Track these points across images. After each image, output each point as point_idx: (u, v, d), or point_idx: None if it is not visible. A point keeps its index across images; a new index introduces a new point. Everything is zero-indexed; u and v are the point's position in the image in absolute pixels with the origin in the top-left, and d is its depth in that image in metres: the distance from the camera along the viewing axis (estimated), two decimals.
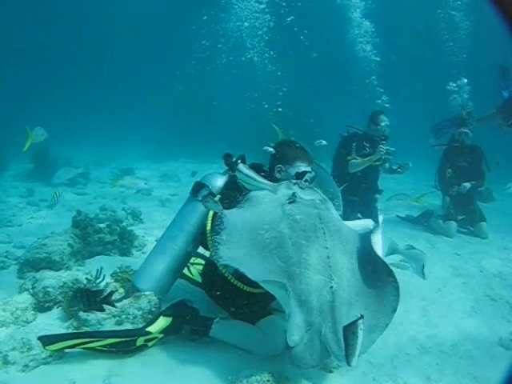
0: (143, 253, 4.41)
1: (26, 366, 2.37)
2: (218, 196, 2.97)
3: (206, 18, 13.37)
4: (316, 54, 14.90)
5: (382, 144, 5.46)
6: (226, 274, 2.68)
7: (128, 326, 2.80)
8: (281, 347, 2.52)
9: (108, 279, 3.20)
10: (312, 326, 2.19)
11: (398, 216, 6.82)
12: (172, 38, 21.59)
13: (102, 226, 4.41)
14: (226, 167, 3.08)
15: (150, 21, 22.89)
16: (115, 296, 3.09)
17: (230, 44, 13.04)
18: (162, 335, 2.66)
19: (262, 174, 2.88)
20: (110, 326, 2.81)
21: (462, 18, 9.59)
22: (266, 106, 11.65)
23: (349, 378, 2.53)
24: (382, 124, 5.77)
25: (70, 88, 20.22)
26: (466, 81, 7.71)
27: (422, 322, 3.40)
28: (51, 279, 3.07)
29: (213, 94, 16.20)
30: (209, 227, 2.80)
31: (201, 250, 3.22)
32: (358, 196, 5.75)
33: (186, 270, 3.41)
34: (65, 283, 3.07)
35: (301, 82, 14.11)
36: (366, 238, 2.60)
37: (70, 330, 2.73)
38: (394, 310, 2.39)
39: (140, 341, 2.57)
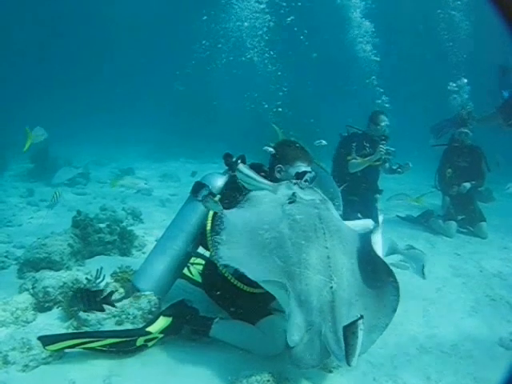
0: (143, 253, 4.41)
1: (26, 365, 2.37)
2: (218, 196, 2.97)
3: (205, 17, 13.36)
4: (316, 54, 14.90)
5: (382, 144, 5.47)
6: (225, 274, 2.68)
7: (128, 326, 2.80)
8: (281, 347, 2.52)
9: (108, 279, 3.20)
10: (312, 326, 2.19)
11: (398, 216, 6.82)
12: (172, 38, 21.60)
13: (102, 225, 4.41)
14: (226, 167, 3.09)
15: (150, 21, 22.90)
16: (115, 296, 3.09)
17: (230, 44, 13.04)
18: (162, 335, 2.66)
19: (262, 173, 2.89)
20: (110, 326, 2.82)
21: (462, 18, 9.59)
22: (266, 105, 11.65)
23: (349, 378, 2.53)
24: (382, 124, 5.78)
25: (71, 88, 20.22)
26: (465, 81, 7.71)
27: (422, 322, 3.40)
28: (51, 279, 3.07)
29: (213, 94, 16.20)
30: (209, 227, 2.80)
31: (201, 250, 3.22)
32: (358, 196, 5.75)
33: (185, 270, 3.41)
34: (65, 283, 3.08)
35: (301, 82, 14.11)
36: (365, 238, 2.60)
37: (70, 330, 2.73)
38: (394, 310, 2.39)
39: (140, 341, 2.57)
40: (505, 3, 1.15)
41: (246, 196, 2.62)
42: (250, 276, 2.20)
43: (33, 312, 2.91)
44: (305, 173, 2.85)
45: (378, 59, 10.72)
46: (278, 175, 2.91)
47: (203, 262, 3.40)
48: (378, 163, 5.73)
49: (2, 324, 2.73)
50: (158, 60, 22.67)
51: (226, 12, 12.59)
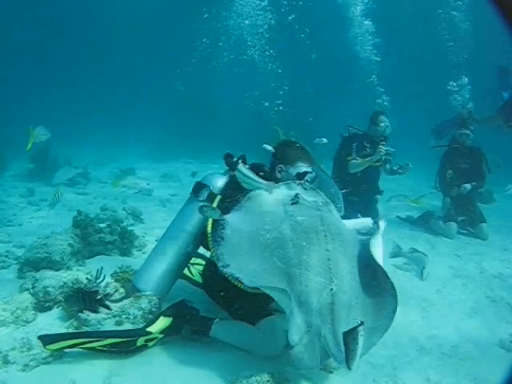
0: (143, 253, 4.41)
1: (26, 365, 2.37)
2: (219, 196, 2.97)
3: (207, 15, 13.36)
4: (315, 56, 14.89)
5: (382, 145, 5.47)
6: (226, 275, 2.68)
7: (128, 326, 2.80)
8: (281, 348, 2.52)
9: (108, 279, 3.20)
10: (311, 327, 2.19)
11: (398, 217, 6.82)
12: (172, 36, 21.58)
13: (102, 225, 4.41)
14: (227, 167, 3.09)
15: (151, 19, 22.89)
16: (115, 296, 3.10)
17: (231, 42, 13.04)
18: (162, 335, 2.66)
19: (261, 173, 2.89)
20: (110, 326, 2.82)
21: (463, 19, 9.59)
22: (267, 104, 11.66)
23: (349, 378, 2.53)
24: (382, 124, 5.78)
25: (71, 88, 20.22)
26: (466, 80, 7.70)
27: (422, 323, 3.40)
28: (51, 279, 3.07)
29: (214, 94, 16.20)
30: (209, 228, 2.80)
31: (201, 250, 3.22)
32: (359, 196, 5.76)
33: (186, 271, 3.41)
34: (65, 283, 3.07)
35: (301, 81, 14.11)
36: (366, 242, 2.59)
37: (70, 330, 2.73)
38: (394, 313, 2.39)
39: (140, 341, 2.57)
40: (505, 3, 1.15)
41: (247, 195, 2.61)
42: (248, 284, 2.21)
43: (33, 312, 2.91)
44: (305, 173, 2.84)
45: (379, 59, 10.73)
46: (278, 175, 2.91)
47: (203, 263, 3.41)
48: (378, 164, 5.74)
49: (2, 324, 2.73)
50: (158, 59, 22.66)
51: (228, 10, 12.59)
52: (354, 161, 5.66)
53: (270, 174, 2.95)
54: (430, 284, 4.19)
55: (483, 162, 6.35)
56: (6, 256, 4.05)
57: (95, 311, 2.73)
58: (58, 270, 3.46)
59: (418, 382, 2.61)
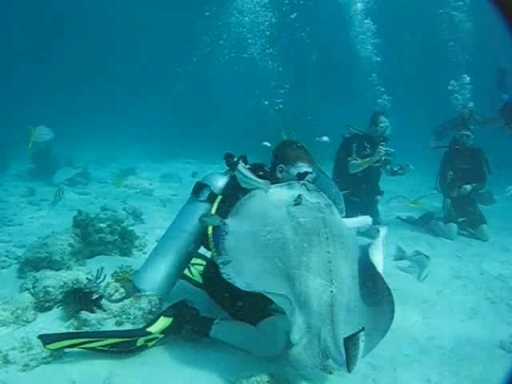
0: (144, 253, 4.41)
1: (26, 365, 2.36)
2: (220, 196, 2.97)
3: (208, 14, 13.36)
4: (315, 57, 14.90)
5: (382, 145, 5.48)
6: (223, 275, 2.68)
7: (128, 326, 2.81)
8: (281, 348, 2.52)
9: (109, 279, 3.19)
10: (311, 328, 2.19)
11: (398, 218, 6.82)
12: (173, 35, 21.59)
13: (102, 225, 4.41)
14: (227, 167, 3.09)
15: (151, 18, 22.88)
16: (116, 296, 3.10)
17: (232, 39, 13.04)
18: (162, 335, 2.66)
19: (261, 173, 2.89)
20: (110, 326, 2.82)
21: (464, 19, 9.60)
22: (267, 102, 11.67)
23: (348, 379, 2.52)
24: (382, 125, 5.80)
25: (71, 87, 20.22)
26: (468, 79, 7.70)
27: (422, 324, 3.39)
28: (52, 279, 3.08)
29: (214, 93, 16.20)
30: (210, 228, 2.80)
31: (201, 250, 3.22)
32: (359, 197, 5.77)
33: (186, 271, 3.41)
34: (65, 283, 3.08)
35: (302, 79, 14.11)
36: (366, 248, 2.59)
37: (71, 330, 2.73)
38: (391, 320, 2.38)
39: (140, 341, 2.57)
40: (505, 4, 1.15)
41: (249, 194, 2.60)
42: (244, 288, 2.20)
43: (33, 312, 2.91)
44: (306, 173, 2.84)
45: (379, 59, 10.74)
46: (279, 175, 2.91)
47: (204, 263, 3.41)
48: (377, 164, 5.75)
49: (2, 323, 2.73)
50: (158, 59, 22.66)
51: (228, 7, 12.59)
52: (354, 161, 5.67)
53: (270, 173, 2.95)
54: (430, 285, 4.18)
55: (484, 163, 6.35)
56: (7, 256, 4.04)
57: (91, 312, 2.73)
58: (58, 269, 3.46)
59: (418, 382, 2.61)
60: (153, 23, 22.78)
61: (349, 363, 1.98)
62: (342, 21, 11.84)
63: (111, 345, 2.49)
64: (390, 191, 6.61)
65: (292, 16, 12.81)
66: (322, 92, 15.02)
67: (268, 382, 2.28)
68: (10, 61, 19.80)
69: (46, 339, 2.39)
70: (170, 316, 2.70)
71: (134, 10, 22.74)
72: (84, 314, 2.79)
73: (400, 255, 4.39)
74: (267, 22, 12.03)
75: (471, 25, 9.50)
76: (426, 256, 4.29)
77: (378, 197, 6.15)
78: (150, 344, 2.63)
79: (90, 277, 3.17)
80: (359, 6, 11.34)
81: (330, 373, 2.57)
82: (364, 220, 3.24)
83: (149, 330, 2.61)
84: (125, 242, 4.42)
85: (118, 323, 2.84)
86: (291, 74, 12.39)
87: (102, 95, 20.06)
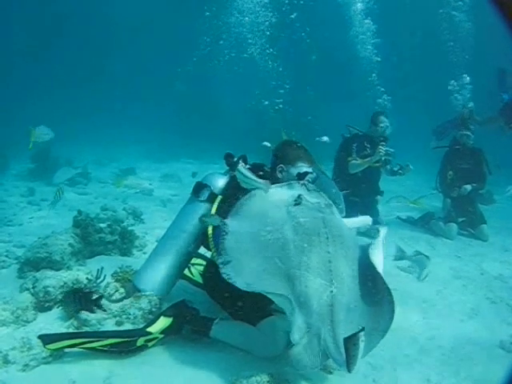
0: (144, 253, 4.41)
1: (26, 365, 2.36)
2: (220, 196, 2.97)
3: (208, 13, 13.36)
4: (315, 57, 14.89)
5: (382, 145, 5.48)
6: (223, 275, 2.68)
7: (128, 326, 2.81)
8: (281, 348, 2.52)
9: (109, 279, 3.20)
10: (311, 328, 2.19)
11: (399, 218, 6.82)
12: (173, 35, 21.58)
13: (102, 225, 4.41)
14: (227, 167, 3.09)
15: (151, 18, 22.89)
16: (116, 296, 3.10)
17: (232, 39, 13.04)
18: (162, 335, 2.66)
19: (261, 173, 2.89)
20: (110, 326, 2.82)
21: (464, 19, 9.60)
22: (267, 102, 11.67)
23: (349, 379, 2.52)
24: (382, 125, 5.81)
25: (71, 87, 20.22)
26: (468, 78, 7.70)
27: (422, 324, 3.39)
28: (52, 279, 3.08)
29: (214, 93, 16.19)
30: (210, 228, 2.80)
31: (202, 250, 3.22)
32: (359, 197, 5.77)
33: (186, 271, 3.41)
34: (65, 283, 3.08)
35: (302, 79, 14.10)
36: (366, 248, 2.59)
37: (71, 330, 2.73)
38: (391, 318, 2.38)
39: (140, 341, 2.57)
40: (505, 3, 1.14)
41: (249, 194, 2.59)
42: (243, 288, 2.20)
43: (33, 312, 2.91)
44: (306, 173, 2.84)
45: (379, 59, 10.74)
46: (279, 175, 2.90)
47: (204, 263, 3.41)
48: (377, 164, 5.75)
49: (2, 323, 2.73)
50: (158, 58, 22.66)
51: (228, 7, 12.59)
52: (354, 161, 5.68)
53: (270, 173, 2.95)
54: (430, 285, 4.18)
55: (484, 163, 6.35)
56: (7, 256, 4.04)
57: (91, 312, 2.73)
58: (58, 269, 3.46)
59: (418, 382, 2.61)
60: (153, 23, 22.78)
61: (349, 363, 1.98)
62: (342, 21, 11.84)
63: (111, 345, 2.49)
64: (390, 191, 6.61)
65: (292, 16, 12.81)
66: (322, 92, 15.02)
67: (268, 382, 2.28)
68: (10, 61, 19.80)
69: (46, 339, 2.39)
70: (170, 316, 2.70)
71: (134, 9, 22.74)
72: (84, 314, 2.79)
73: (400, 255, 4.40)
74: (267, 22, 12.04)
75: (471, 25, 9.50)
76: (426, 256, 4.30)
77: (378, 197, 6.15)
78: (150, 344, 2.63)
79: (90, 277, 3.18)
80: (359, 5, 11.34)
81: (330, 373, 2.57)
82: (364, 220, 3.24)
83: (149, 330, 2.61)
84: (125, 242, 4.42)
85: (118, 323, 2.84)
86: (291, 74, 12.39)
87: (102, 95, 20.05)
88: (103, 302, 2.94)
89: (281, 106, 11.64)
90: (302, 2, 12.95)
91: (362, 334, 1.95)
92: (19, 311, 2.83)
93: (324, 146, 6.54)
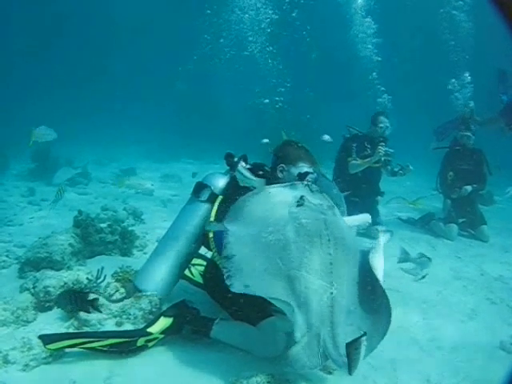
0: (144, 253, 4.41)
1: (27, 365, 2.36)
2: (221, 197, 2.97)
3: (209, 11, 13.36)
4: (315, 55, 14.89)
5: (381, 145, 5.49)
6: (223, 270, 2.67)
7: (129, 327, 2.81)
8: (281, 349, 2.52)
9: (109, 279, 3.20)
10: (311, 328, 2.19)
11: (399, 218, 6.82)
12: (174, 34, 21.58)
13: (103, 225, 4.41)
14: (228, 167, 3.09)
15: (151, 17, 22.88)
16: (116, 296, 3.10)
17: (232, 37, 13.03)
18: (162, 336, 2.66)
19: (261, 172, 2.89)
20: (110, 326, 2.82)
21: (465, 19, 9.60)
22: (267, 101, 11.66)
23: (348, 380, 2.51)
24: (381, 125, 5.81)
25: (72, 87, 20.22)
26: (469, 78, 7.70)
27: (423, 325, 3.39)
28: (52, 279, 3.07)
29: (214, 93, 16.18)
30: None
31: (202, 250, 3.22)
32: (360, 197, 5.77)
33: (186, 271, 3.41)
34: (66, 283, 3.07)
35: (302, 78, 14.11)
36: (367, 252, 2.59)
37: (71, 330, 2.73)
38: (389, 323, 2.38)
39: (141, 341, 2.57)
40: (505, 3, 1.15)
41: (251, 193, 2.59)
42: (241, 290, 2.19)
43: (33, 312, 2.91)
44: (307, 173, 2.84)
45: (380, 59, 10.74)
46: (280, 175, 2.90)
47: (204, 263, 3.41)
48: (377, 165, 5.75)
49: (2, 323, 2.73)
50: (158, 58, 22.66)
51: (229, 4, 12.59)
52: (353, 161, 5.68)
53: (271, 173, 2.95)
54: (430, 286, 4.18)
55: (484, 164, 6.35)
56: (7, 256, 4.04)
57: (87, 312, 2.73)
58: (58, 269, 3.47)
59: (419, 383, 2.61)
60: (153, 22, 22.78)
61: (350, 366, 1.99)
62: (343, 20, 11.84)
63: (111, 345, 2.50)
64: (390, 192, 6.61)
65: (293, 14, 12.81)
66: (322, 91, 15.02)
67: (268, 382, 2.28)
68: (10, 61, 19.80)
69: (47, 339, 2.39)
70: (170, 316, 2.70)
71: (134, 9, 22.73)
72: (84, 314, 2.79)
73: (404, 257, 4.41)
74: (268, 20, 12.04)
75: (471, 25, 9.49)
76: (428, 258, 4.31)
77: (379, 197, 6.15)
78: (150, 344, 2.63)
79: (90, 277, 3.18)
80: (359, 5, 11.34)
81: (330, 373, 2.57)
82: (363, 218, 3.24)
83: (149, 330, 2.61)
84: (125, 242, 4.42)
85: (119, 323, 2.84)
86: (292, 72, 12.39)
87: (102, 95, 20.04)
88: (103, 302, 2.95)
89: (281, 104, 11.65)
90: (302, 1, 12.96)
91: (363, 338, 1.96)
92: (19, 311, 2.83)
93: (325, 146, 6.55)
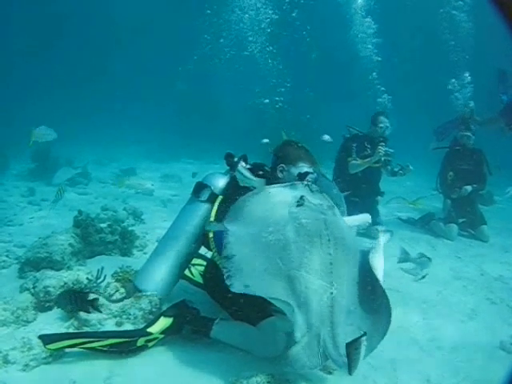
0: (144, 253, 4.41)
1: (27, 365, 2.36)
2: (221, 197, 2.97)
3: (209, 11, 13.36)
4: (315, 55, 14.88)
5: (381, 146, 5.49)
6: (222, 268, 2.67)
7: (129, 327, 2.81)
8: (281, 349, 2.51)
9: (109, 279, 3.20)
10: (311, 328, 2.19)
11: (399, 218, 6.82)
12: (174, 34, 21.58)
13: (103, 225, 4.41)
14: (228, 167, 3.09)
15: (151, 17, 22.88)
16: (116, 296, 3.10)
17: (232, 37, 13.03)
18: (162, 336, 2.66)
19: (261, 172, 2.89)
20: (110, 326, 2.82)
21: (465, 19, 9.60)
22: (267, 101, 11.66)
23: (349, 380, 2.52)
24: (381, 125, 5.81)
25: (72, 87, 20.22)
26: (469, 78, 7.70)
27: (423, 325, 3.39)
28: (52, 279, 3.07)
29: (215, 93, 16.18)
30: None
31: (202, 250, 3.22)
32: (359, 197, 5.77)
33: (186, 271, 3.41)
34: (66, 283, 3.07)
35: (302, 78, 14.10)
36: (367, 253, 2.59)
37: (71, 330, 2.73)
38: (389, 323, 2.38)
39: (141, 341, 2.57)
40: (505, 4, 1.15)
41: (251, 193, 2.58)
42: (240, 290, 2.19)
43: (33, 312, 2.91)
44: (307, 173, 2.84)
45: (380, 59, 10.74)
46: (280, 174, 2.90)
47: (204, 263, 3.41)
48: (377, 165, 5.75)
49: (2, 323, 2.73)
50: (159, 58, 22.66)
51: (229, 4, 12.59)
52: (353, 161, 5.68)
53: (271, 173, 2.95)
54: (430, 286, 4.18)
55: (484, 164, 6.35)
56: (7, 256, 4.04)
57: (87, 312, 2.73)
58: (58, 269, 3.46)
59: (419, 383, 2.61)
60: (153, 22, 22.78)
61: (350, 366, 1.99)
62: (343, 20, 11.84)
63: (111, 345, 2.50)
64: (390, 192, 6.62)
65: (293, 14, 12.82)
66: (322, 91, 15.02)
67: (268, 382, 2.28)
68: (10, 61, 19.80)
69: (47, 339, 2.39)
70: (170, 316, 2.70)
71: (134, 9, 22.73)
72: (84, 314, 2.79)
73: (404, 257, 4.42)
74: (268, 19, 12.04)
75: (471, 25, 9.49)
76: (428, 258, 4.32)
77: (379, 197, 6.15)
78: (150, 344, 2.63)
79: (90, 277, 3.17)
80: (359, 5, 11.34)
81: (330, 373, 2.57)
82: (363, 218, 3.24)
83: (149, 330, 2.61)
84: (125, 242, 4.42)
85: (119, 323, 2.84)
86: (292, 72, 12.39)
87: (102, 95, 20.05)
88: (103, 302, 2.95)
89: (281, 104, 11.65)
90: (302, 1, 12.95)
91: (364, 338, 1.96)
92: (19, 311, 2.83)
93: (325, 146, 6.54)
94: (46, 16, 21.43)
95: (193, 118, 15.05)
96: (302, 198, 2.52)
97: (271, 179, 2.87)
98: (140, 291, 2.97)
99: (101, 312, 2.82)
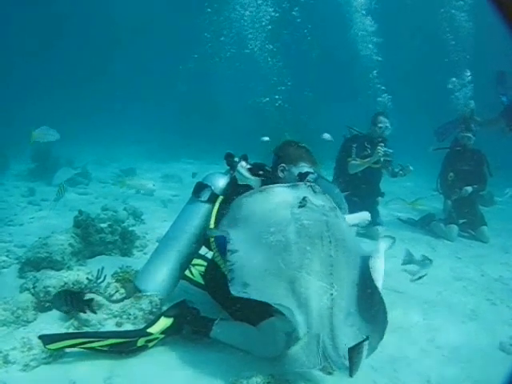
0: (144, 253, 4.41)
1: (27, 365, 2.36)
2: (221, 197, 2.97)
3: (209, 10, 13.36)
4: (316, 54, 14.89)
5: (380, 146, 5.49)
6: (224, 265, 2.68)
7: (129, 327, 2.81)
8: (281, 349, 2.52)
9: (109, 279, 3.20)
10: (311, 328, 2.19)
11: (399, 219, 6.82)
12: (174, 33, 21.58)
13: (103, 225, 4.41)
14: (228, 167, 3.09)
15: (152, 17, 22.89)
16: (116, 296, 3.10)
17: (233, 35, 13.02)
18: (162, 336, 2.66)
19: (261, 172, 2.89)
20: (110, 326, 2.82)
21: (465, 18, 9.59)
22: (267, 99, 11.66)
23: (349, 380, 2.51)
24: (380, 125, 5.81)
25: (72, 87, 20.23)
26: (470, 77, 7.69)
27: (423, 325, 3.39)
28: (52, 279, 3.07)
29: (215, 92, 16.17)
30: (212, 227, 2.80)
31: (203, 250, 3.22)
32: (359, 197, 5.77)
33: (187, 271, 3.40)
34: (66, 283, 3.07)
35: (303, 77, 14.09)
36: (368, 257, 2.58)
37: (71, 330, 2.73)
38: (385, 323, 2.37)
39: (141, 341, 2.56)
40: (505, 3, 1.14)
41: (251, 192, 2.58)
42: (240, 294, 2.19)
43: (33, 312, 2.90)
44: (307, 173, 2.84)
45: (380, 58, 10.74)
46: (280, 174, 2.91)
47: (204, 264, 3.41)
48: (377, 165, 5.75)
49: (2, 323, 2.73)
50: (159, 58, 22.65)
51: (230, 2, 12.58)
52: (353, 162, 5.69)
53: (271, 173, 2.95)
54: (430, 286, 4.18)
55: (484, 165, 6.35)
56: (7, 256, 4.04)
57: (83, 312, 2.73)
58: (58, 269, 3.46)
59: (418, 383, 2.61)
60: (153, 22, 22.79)
61: (351, 369, 2.00)
62: (343, 19, 11.84)
63: (111, 345, 2.50)
64: (390, 193, 6.62)
65: (294, 13, 12.82)
66: (323, 90, 15.01)
67: (269, 382, 2.28)
68: (10, 61, 19.80)
69: (47, 339, 2.39)
70: (170, 316, 2.69)
71: (134, 8, 22.74)
72: (85, 314, 2.79)
73: (409, 259, 4.43)
74: (268, 17, 12.03)
75: (472, 25, 9.49)
76: (430, 260, 4.33)
77: (379, 198, 6.15)
78: (150, 344, 2.63)
79: (90, 277, 3.17)
80: (360, 4, 11.33)
81: (330, 373, 2.57)
82: (362, 216, 3.23)
83: (149, 330, 2.61)
84: (125, 243, 4.42)
85: (119, 323, 2.84)
86: (292, 71, 12.38)
87: (102, 95, 20.05)
88: (103, 302, 2.95)
89: (281, 103, 11.64)
90: (302, 0, 12.95)
91: (366, 342, 1.96)
92: (19, 311, 2.82)
93: (325, 146, 6.54)
94: (46, 16, 21.44)
95: (193, 118, 15.06)
96: (304, 199, 2.52)
97: (272, 179, 2.88)
98: (140, 291, 2.97)
99: (95, 313, 2.81)
